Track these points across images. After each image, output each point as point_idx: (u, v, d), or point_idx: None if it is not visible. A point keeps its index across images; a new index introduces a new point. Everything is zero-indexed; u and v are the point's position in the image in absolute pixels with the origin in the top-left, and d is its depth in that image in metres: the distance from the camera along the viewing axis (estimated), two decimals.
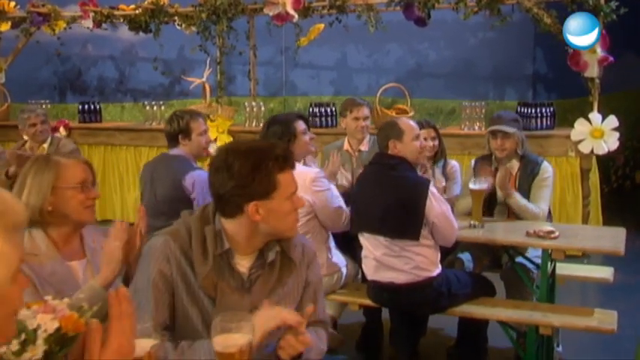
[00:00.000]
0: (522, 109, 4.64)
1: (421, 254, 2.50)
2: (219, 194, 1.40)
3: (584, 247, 2.55)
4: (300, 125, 2.75)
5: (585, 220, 4.39)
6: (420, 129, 3.17)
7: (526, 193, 2.97)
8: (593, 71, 4.22)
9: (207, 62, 5.04)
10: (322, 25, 4.94)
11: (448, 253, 2.95)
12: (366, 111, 3.40)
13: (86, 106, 5.46)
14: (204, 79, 5.17)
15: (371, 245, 2.57)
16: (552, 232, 2.63)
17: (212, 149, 3.28)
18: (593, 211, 4.51)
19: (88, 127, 5.40)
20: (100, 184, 5.35)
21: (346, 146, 3.46)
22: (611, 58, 4.17)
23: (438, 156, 3.24)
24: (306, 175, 2.64)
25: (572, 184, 4.44)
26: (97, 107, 5.53)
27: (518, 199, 2.91)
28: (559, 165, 4.48)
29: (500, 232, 2.77)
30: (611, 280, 2.96)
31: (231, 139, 5.04)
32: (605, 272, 3.01)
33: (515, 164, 3.06)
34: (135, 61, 6.05)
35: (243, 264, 1.45)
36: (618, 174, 6.38)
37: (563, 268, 3.00)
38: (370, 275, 2.62)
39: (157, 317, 1.37)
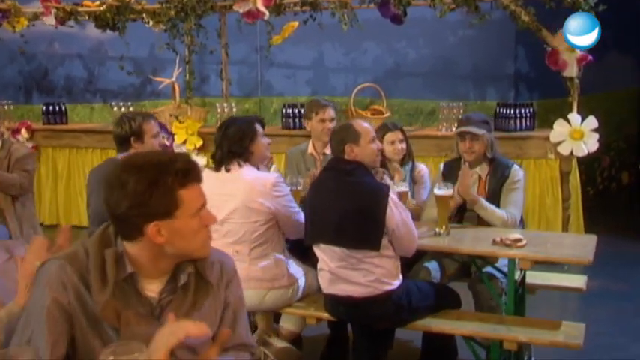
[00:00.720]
0: (501, 110, 4.57)
1: (381, 266, 2.40)
2: (115, 215, 1.29)
3: (551, 256, 2.45)
4: (259, 128, 2.66)
5: (565, 224, 4.32)
6: (387, 132, 3.09)
7: (497, 198, 2.88)
8: (572, 70, 4.16)
9: (177, 61, 4.92)
10: (296, 23, 4.84)
11: (414, 262, 2.86)
12: (332, 112, 3.30)
13: (51, 107, 5.32)
14: (173, 79, 5.05)
15: (327, 257, 2.47)
16: (519, 239, 2.54)
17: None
18: (574, 215, 4.43)
19: (52, 128, 5.26)
20: (65, 187, 5.24)
21: (310, 149, 3.37)
22: (590, 57, 4.11)
23: (406, 159, 3.15)
24: (265, 180, 2.56)
25: (552, 187, 4.36)
26: (63, 108, 5.39)
27: (483, 204, 2.82)
28: (538, 167, 4.40)
29: (467, 240, 2.68)
30: (584, 289, 2.87)
31: (201, 141, 4.94)
32: (578, 281, 2.92)
33: (484, 168, 2.97)
34: (104, 60, 5.91)
35: (152, 288, 1.34)
36: (604, 176, 6.32)
37: (535, 277, 2.91)
38: (326, 288, 2.52)
39: (54, 352, 1.25)
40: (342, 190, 2.42)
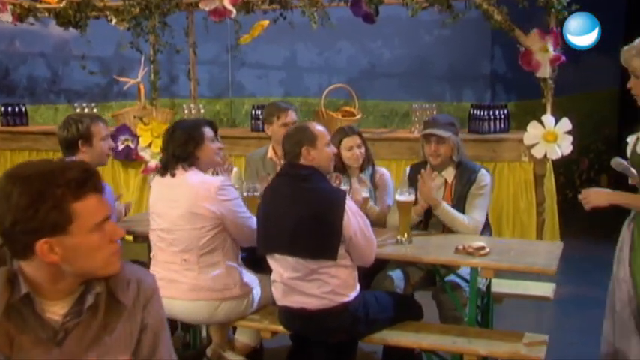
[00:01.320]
0: (475, 112, 4.51)
1: (337, 276, 2.32)
2: (1, 231, 1.18)
3: (514, 264, 2.39)
4: (208, 132, 2.56)
5: (540, 228, 4.26)
6: (344, 137, 3.01)
7: (463, 203, 2.82)
8: (545, 71, 4.10)
9: (142, 61, 4.80)
10: (266, 22, 4.75)
11: (377, 271, 2.78)
12: (293, 115, 3.21)
13: (10, 109, 5.17)
14: (138, 80, 4.93)
15: (280, 267, 2.39)
16: (482, 248, 2.48)
17: None
18: (549, 219, 4.38)
19: (11, 130, 5.11)
20: None
21: (270, 154, 3.28)
22: (563, 58, 4.06)
23: (365, 164, 3.07)
24: (210, 184, 2.48)
25: (526, 191, 4.31)
26: (23, 109, 5.24)
27: (445, 209, 2.75)
28: (512, 171, 4.35)
29: (429, 248, 2.61)
30: (551, 298, 2.81)
31: None
32: (545, 289, 2.87)
33: (451, 172, 2.90)
34: (68, 60, 5.77)
35: (55, 311, 1.25)
36: (583, 178, 6.31)
37: (501, 285, 2.84)
38: (279, 300, 2.44)
39: None
40: (296, 196, 2.34)
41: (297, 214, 2.30)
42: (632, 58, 2.20)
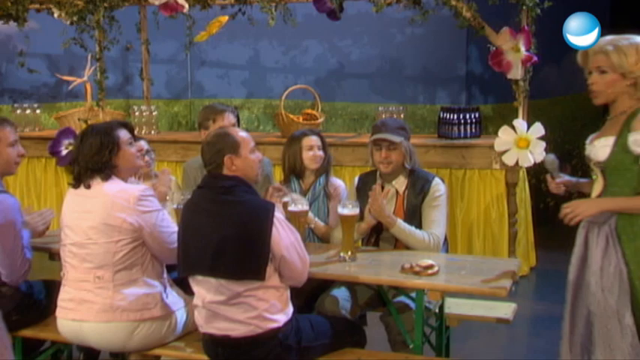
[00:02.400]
0: (444, 115, 4.38)
1: (265, 299, 2.17)
2: None
3: (464, 286, 2.24)
4: (124, 135, 2.40)
5: (512, 240, 4.13)
6: (305, 136, 2.90)
7: (416, 216, 2.69)
8: (517, 72, 4.00)
9: (88, 59, 4.63)
10: (225, 18, 4.59)
11: (321, 290, 2.63)
12: (231, 118, 3.04)
13: None
14: (85, 79, 4.76)
15: (203, 290, 2.23)
16: (431, 267, 2.33)
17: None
18: (523, 231, 4.25)
19: None
20: None
21: None
22: (535, 58, 3.95)
23: (322, 170, 2.93)
24: (129, 193, 2.31)
25: (498, 201, 4.17)
26: None
27: (402, 228, 2.60)
28: (483, 178, 4.21)
29: (375, 266, 2.46)
30: (511, 320, 2.67)
31: None
32: (505, 310, 2.71)
33: (402, 181, 2.76)
34: (13, 57, 5.56)
35: None
36: None
37: (458, 306, 2.70)
38: (202, 326, 2.26)
39: None
40: (219, 211, 2.19)
41: (220, 231, 2.15)
42: (607, 54, 2.10)
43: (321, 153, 2.92)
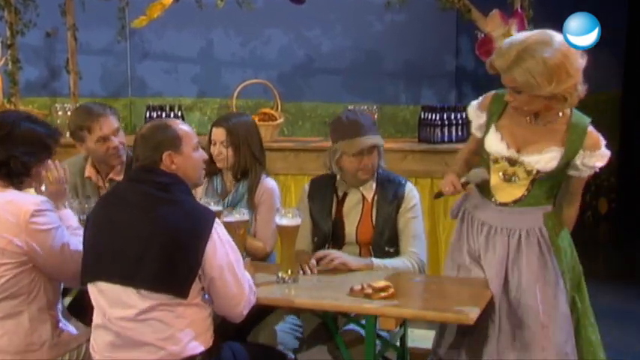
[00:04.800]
0: (426, 115, 4.33)
1: (184, 317, 2.13)
2: None
3: (424, 312, 2.16)
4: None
5: None
6: (212, 127, 2.88)
7: (390, 227, 2.67)
8: None
9: None
10: (169, 0, 4.54)
11: (260, 318, 2.54)
12: (114, 122, 2.92)
13: None
14: None
15: (107, 302, 2.15)
16: (385, 288, 2.25)
17: None
18: None
19: None
20: None
21: (90, 172, 3.03)
22: None
23: (236, 171, 2.88)
24: (20, 207, 2.20)
25: None
26: None
27: (380, 265, 2.59)
28: None
29: (320, 288, 2.39)
30: None
31: None
32: None
33: (370, 186, 2.72)
34: None
35: None
36: None
37: (423, 338, 2.62)
38: (100, 353, 2.18)
39: None
40: (149, 207, 2.15)
41: (147, 231, 2.12)
42: (514, 76, 2.20)
43: (226, 150, 2.84)
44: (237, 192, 2.85)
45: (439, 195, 2.54)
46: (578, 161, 2.36)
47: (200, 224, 2.14)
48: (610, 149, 2.54)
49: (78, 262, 2.26)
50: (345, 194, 2.77)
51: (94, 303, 2.21)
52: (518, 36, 2.27)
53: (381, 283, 2.27)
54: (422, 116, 4.37)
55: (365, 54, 5.36)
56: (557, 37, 2.23)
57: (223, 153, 2.83)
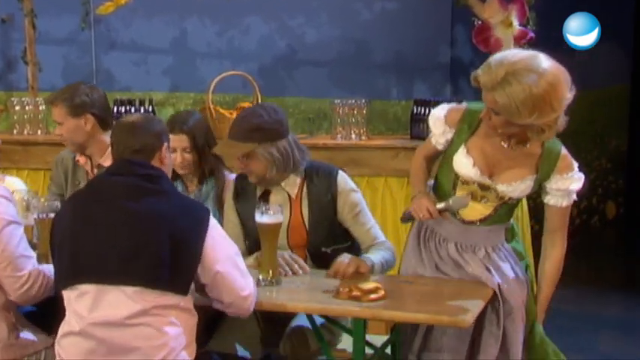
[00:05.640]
0: (418, 110, 4.39)
1: (176, 324, 2.17)
2: None
3: (416, 314, 2.22)
4: None
5: None
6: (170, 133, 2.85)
7: (325, 224, 2.73)
8: None
9: None
10: None
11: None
12: (55, 114, 3.06)
13: None
14: None
15: (85, 307, 2.17)
16: (375, 290, 2.30)
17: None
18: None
19: None
20: None
21: (80, 157, 3.17)
22: (531, 34, 4.05)
23: (203, 176, 2.98)
24: None
25: None
26: None
27: (377, 267, 2.62)
28: None
29: (304, 290, 2.47)
30: None
31: None
32: None
33: (293, 182, 2.76)
34: None
35: None
36: (581, 206, 6.23)
37: None
38: None
39: None
40: (139, 199, 2.21)
41: (139, 223, 2.17)
42: (495, 99, 2.26)
43: (190, 156, 2.92)
44: (202, 192, 2.93)
45: (408, 219, 2.56)
46: (551, 185, 2.45)
47: (197, 217, 2.22)
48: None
49: (22, 272, 2.30)
50: (268, 192, 2.79)
51: (68, 310, 2.22)
52: (510, 54, 2.29)
53: (371, 284, 2.31)
54: (414, 111, 4.43)
55: (353, 45, 5.41)
56: (550, 65, 2.27)
57: (187, 159, 2.91)
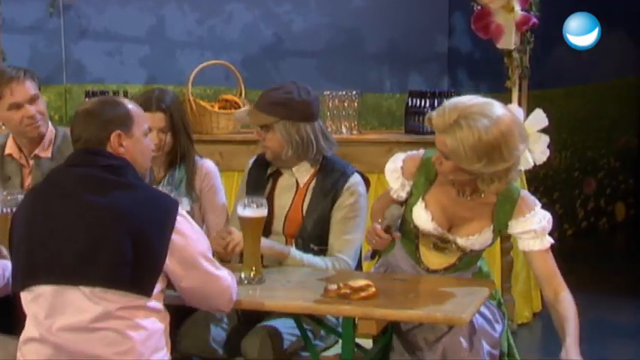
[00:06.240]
0: (414, 102, 4.42)
1: (143, 327, 2.15)
2: None
3: (409, 311, 2.23)
4: None
5: (507, 273, 4.16)
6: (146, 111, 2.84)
7: (320, 220, 2.74)
8: (509, 40, 4.09)
9: None
10: None
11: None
12: (29, 88, 2.98)
13: None
14: None
15: (44, 310, 2.15)
16: (365, 287, 2.31)
17: None
18: (521, 261, 4.26)
19: None
20: None
21: (11, 149, 3.10)
22: (534, 20, 4.07)
23: (176, 160, 2.95)
24: None
25: None
26: None
27: (296, 257, 2.66)
28: None
29: (290, 289, 2.47)
30: None
31: None
32: None
33: (305, 170, 2.80)
34: None
35: None
36: (588, 208, 6.30)
37: None
38: None
39: None
40: (100, 192, 2.18)
41: (99, 218, 2.15)
42: (447, 131, 2.32)
43: (165, 137, 2.91)
44: (174, 178, 2.90)
45: (374, 255, 2.58)
46: (514, 231, 2.50)
47: (163, 211, 2.20)
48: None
49: None
50: (279, 173, 2.84)
51: (28, 312, 2.21)
52: (466, 98, 2.38)
53: (361, 282, 2.33)
54: (409, 103, 4.45)
55: (343, 33, 5.45)
56: (504, 113, 2.34)
57: (162, 141, 2.89)
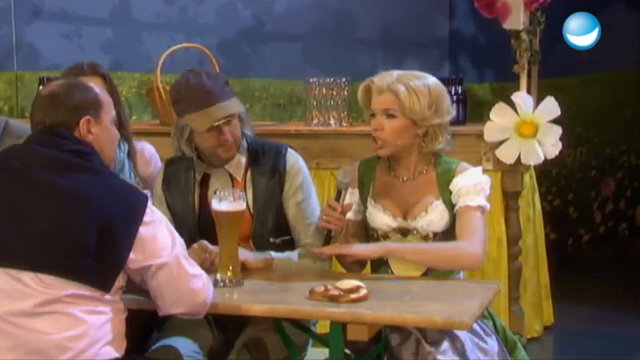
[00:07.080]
0: None
1: (102, 311, 2.22)
2: None
3: (404, 314, 2.25)
4: None
5: (514, 279, 4.19)
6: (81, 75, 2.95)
7: (272, 209, 2.81)
8: (517, 20, 4.13)
9: None
10: None
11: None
12: None
13: None
14: None
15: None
16: (356, 289, 2.34)
17: None
18: (531, 267, 4.33)
19: None
20: None
21: None
22: None
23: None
24: None
25: (491, 219, 4.19)
26: None
27: (280, 258, 2.73)
28: None
29: (272, 291, 2.52)
30: None
31: None
32: None
33: (238, 161, 2.84)
34: None
35: None
36: (607, 211, 6.35)
37: None
38: None
39: None
40: (63, 175, 2.23)
41: (60, 202, 2.21)
42: (397, 93, 2.64)
43: None
44: (116, 160, 2.90)
45: (328, 238, 2.68)
46: (455, 191, 2.70)
47: (131, 204, 2.26)
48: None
49: None
50: (207, 175, 2.87)
51: None
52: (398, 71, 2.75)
53: (351, 283, 2.34)
54: None
55: (332, 16, 5.52)
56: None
57: None
